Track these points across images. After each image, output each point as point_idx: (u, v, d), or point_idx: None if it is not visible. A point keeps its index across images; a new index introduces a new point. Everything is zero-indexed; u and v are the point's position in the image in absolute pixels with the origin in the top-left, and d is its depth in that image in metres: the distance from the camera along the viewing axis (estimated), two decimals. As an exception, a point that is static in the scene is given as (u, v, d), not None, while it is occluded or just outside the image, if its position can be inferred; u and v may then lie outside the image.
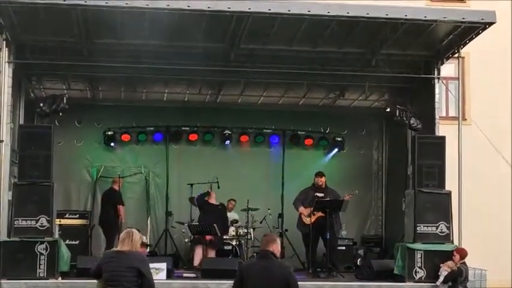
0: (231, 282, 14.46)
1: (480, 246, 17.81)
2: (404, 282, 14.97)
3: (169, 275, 14.92)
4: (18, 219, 14.28)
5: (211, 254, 16.59)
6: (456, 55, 16.06)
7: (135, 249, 8.98)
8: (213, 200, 17.21)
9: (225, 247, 17.12)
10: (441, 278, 14.61)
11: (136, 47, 15.88)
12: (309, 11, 14.14)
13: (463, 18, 14.64)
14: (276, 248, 8.77)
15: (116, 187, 18.28)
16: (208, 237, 16.41)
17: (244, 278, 8.63)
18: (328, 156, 20.20)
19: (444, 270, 14.66)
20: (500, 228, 20.18)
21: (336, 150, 20.13)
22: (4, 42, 14.67)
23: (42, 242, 14.20)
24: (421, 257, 14.96)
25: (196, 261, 16.58)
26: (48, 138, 14.74)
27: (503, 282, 19.01)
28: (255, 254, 17.36)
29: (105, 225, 17.74)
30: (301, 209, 16.70)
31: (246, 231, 17.39)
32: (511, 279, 19.45)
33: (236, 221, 17.95)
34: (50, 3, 13.57)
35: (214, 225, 16.27)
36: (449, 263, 14.66)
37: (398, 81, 17.67)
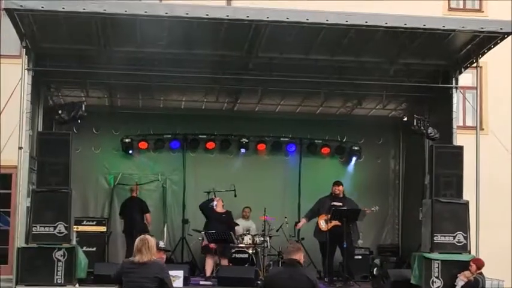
0: (247, 290, 14.68)
1: (497, 257, 17.76)
2: (421, 292, 14.96)
3: (186, 283, 14.97)
4: (36, 226, 14.36)
5: (224, 262, 16.58)
6: (474, 65, 16.05)
7: (153, 257, 9.02)
8: (219, 208, 17.21)
9: (242, 255, 17.13)
10: (458, 284, 14.56)
11: (154, 55, 15.93)
12: (327, 20, 14.16)
13: (482, 28, 14.63)
14: (300, 256, 8.80)
15: (135, 195, 18.37)
16: (211, 245, 16.44)
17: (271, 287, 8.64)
18: (350, 165, 20.14)
19: (461, 280, 14.61)
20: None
21: (354, 159, 20.09)
22: (24, 49, 14.80)
23: (59, 249, 14.26)
24: (438, 267, 14.93)
25: (208, 271, 16.61)
26: (66, 146, 14.83)
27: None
28: (271, 263, 17.40)
29: (133, 232, 17.43)
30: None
31: (262, 239, 17.39)
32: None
33: (248, 231, 17.94)
34: (69, 12, 13.65)
35: (231, 233, 16.30)
36: (466, 272, 14.60)
37: (416, 91, 17.63)
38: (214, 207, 17.08)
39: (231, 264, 16.70)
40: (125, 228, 18.23)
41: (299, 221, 18.23)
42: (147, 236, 9.15)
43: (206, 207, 17.26)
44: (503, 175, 19.75)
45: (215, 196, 17.64)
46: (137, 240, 9.10)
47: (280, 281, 8.65)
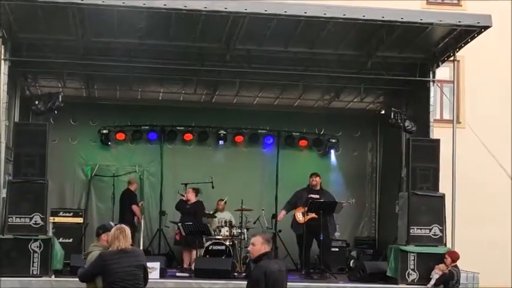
0: (224, 282, 14.71)
1: (473, 250, 17.85)
2: (397, 284, 15.01)
3: (163, 275, 14.94)
4: (12, 217, 14.29)
5: (195, 254, 16.61)
6: (451, 58, 16.12)
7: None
8: (191, 197, 17.28)
9: (218, 247, 17.12)
10: (432, 281, 14.65)
11: (132, 46, 15.89)
12: (305, 13, 14.18)
13: (459, 22, 14.69)
14: None
15: (132, 188, 18.36)
16: (177, 237, 16.67)
17: (272, 283, 8.46)
18: (328, 158, 20.18)
19: (436, 273, 14.69)
20: (493, 232, 20.22)
21: (332, 151, 20.12)
22: (0, 39, 14.67)
23: (35, 240, 14.21)
24: (414, 260, 15.01)
25: (186, 263, 16.75)
26: (43, 136, 14.75)
27: (495, 285, 19.03)
28: (248, 255, 17.39)
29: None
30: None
31: (239, 231, 17.39)
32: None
33: (230, 223, 17.94)
34: (46, 1, 13.60)
35: (208, 225, 16.31)
36: (441, 266, 14.68)
37: (394, 84, 17.69)
38: (183, 198, 17.17)
39: (208, 255, 16.67)
40: (119, 222, 18.16)
41: (276, 213, 18.28)
42: (123, 225, 9.11)
43: (178, 204, 17.37)
44: (480, 168, 19.84)
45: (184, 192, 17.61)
46: (113, 229, 9.05)
47: (278, 275, 8.58)
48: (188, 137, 19.61)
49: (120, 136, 19.40)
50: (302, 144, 20.10)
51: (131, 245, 9.11)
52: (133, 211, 17.95)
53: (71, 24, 14.81)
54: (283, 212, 17.08)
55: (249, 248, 9.09)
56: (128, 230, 9.02)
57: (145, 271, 8.94)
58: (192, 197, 17.18)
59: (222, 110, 19.73)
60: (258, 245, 8.74)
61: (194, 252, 16.66)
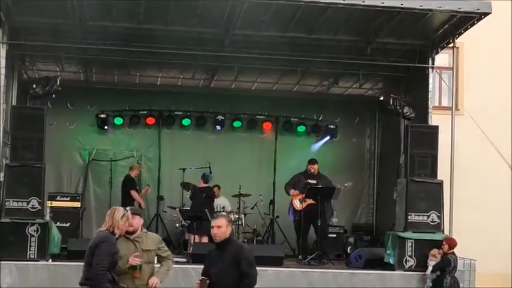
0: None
1: (470, 236, 17.85)
2: (394, 270, 15.02)
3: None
4: (9, 201, 14.24)
5: (204, 239, 16.56)
6: (451, 45, 16.08)
7: (116, 227, 8.91)
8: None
9: (216, 232, 17.09)
10: (430, 268, 14.65)
11: (130, 30, 15.79)
12: (304, -3, 14.11)
13: (459, 8, 14.61)
14: None
15: (132, 173, 18.28)
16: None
17: None
18: (319, 144, 20.16)
19: (430, 260, 14.70)
20: (491, 219, 20.19)
21: (328, 137, 20.11)
22: (-2, 23, 14.63)
23: (33, 224, 14.18)
24: (411, 246, 15.02)
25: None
26: (40, 120, 14.69)
27: (492, 272, 19.04)
28: (245, 240, 17.41)
29: None
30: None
31: (237, 217, 17.39)
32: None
33: (223, 208, 17.93)
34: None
35: (206, 210, 16.28)
36: (433, 251, 14.69)
37: (393, 70, 17.64)
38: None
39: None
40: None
41: (273, 199, 18.36)
42: (117, 207, 9.15)
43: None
44: (478, 155, 19.81)
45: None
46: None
47: None
48: (186, 122, 19.56)
49: (118, 121, 19.37)
50: (300, 130, 20.07)
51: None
52: (132, 196, 17.89)
53: (69, 8, 14.72)
54: (292, 190, 16.89)
55: (213, 232, 8.95)
56: (119, 211, 9.00)
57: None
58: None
59: (220, 95, 19.70)
60: (224, 227, 8.91)
61: (201, 238, 16.61)
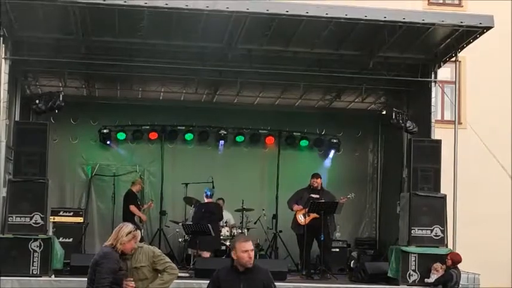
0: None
1: (474, 251, 17.82)
2: (398, 285, 14.99)
3: (163, 274, 14.86)
4: (12, 216, 14.26)
5: (205, 255, 16.50)
6: (453, 59, 16.08)
7: (119, 243, 8.78)
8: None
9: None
10: (431, 279, 14.62)
11: (133, 45, 15.83)
12: (306, 12, 14.13)
13: (461, 22, 14.65)
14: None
15: (134, 188, 18.17)
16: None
17: None
18: (329, 159, 20.12)
19: (433, 274, 14.70)
20: (494, 232, 20.20)
21: (332, 152, 20.09)
22: (1, 38, 14.60)
23: (35, 239, 14.17)
24: (415, 260, 15.00)
25: None
26: (43, 136, 14.73)
27: (496, 286, 19.01)
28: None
29: None
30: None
31: (240, 231, 17.35)
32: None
33: (225, 223, 17.88)
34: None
35: (209, 225, 16.24)
36: (436, 265, 14.70)
37: (395, 84, 17.65)
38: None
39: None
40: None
41: (276, 214, 18.36)
42: (125, 224, 9.04)
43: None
44: (481, 169, 19.82)
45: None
46: None
47: None
48: (189, 136, 19.55)
49: (121, 136, 19.36)
50: (303, 145, 20.05)
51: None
52: (131, 212, 17.85)
53: (72, 23, 14.75)
54: (296, 205, 16.84)
55: (250, 255, 8.23)
56: (125, 228, 8.88)
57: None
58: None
59: (223, 109, 19.70)
60: (252, 251, 8.33)
61: (202, 253, 16.55)
